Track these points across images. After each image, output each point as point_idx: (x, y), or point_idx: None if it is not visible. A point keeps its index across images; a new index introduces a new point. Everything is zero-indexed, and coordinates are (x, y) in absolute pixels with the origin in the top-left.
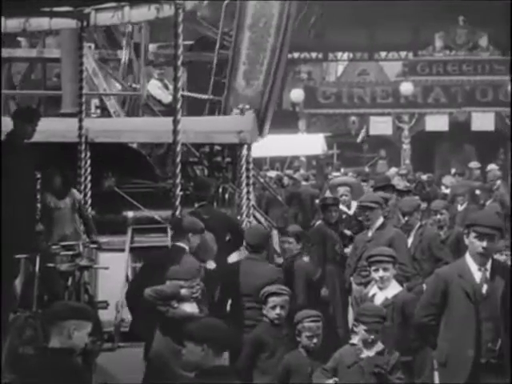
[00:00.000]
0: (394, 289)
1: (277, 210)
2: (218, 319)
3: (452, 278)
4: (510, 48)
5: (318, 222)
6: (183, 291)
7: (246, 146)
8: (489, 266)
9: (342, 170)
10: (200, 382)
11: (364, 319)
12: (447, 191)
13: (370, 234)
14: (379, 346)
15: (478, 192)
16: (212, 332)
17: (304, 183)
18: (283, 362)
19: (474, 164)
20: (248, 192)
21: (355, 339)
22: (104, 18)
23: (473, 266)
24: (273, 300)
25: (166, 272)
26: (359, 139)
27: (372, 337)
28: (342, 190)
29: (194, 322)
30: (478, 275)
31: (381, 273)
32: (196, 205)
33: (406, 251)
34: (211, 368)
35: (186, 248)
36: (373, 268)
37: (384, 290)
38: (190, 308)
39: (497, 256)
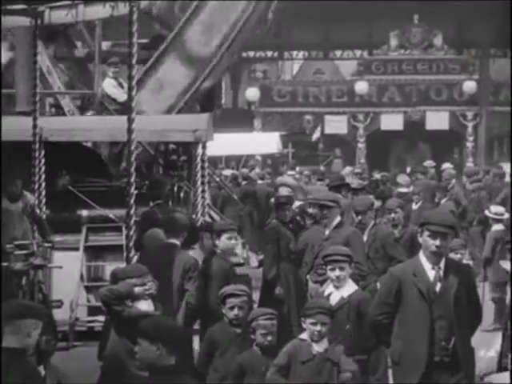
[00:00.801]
0: (349, 288)
1: (232, 208)
2: (171, 318)
3: (406, 276)
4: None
5: (273, 221)
6: (136, 289)
7: (201, 145)
8: (442, 264)
9: (298, 168)
10: (154, 380)
11: (308, 312)
12: (402, 190)
13: (327, 232)
14: (325, 343)
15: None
16: (166, 331)
17: (259, 182)
18: (238, 360)
19: (428, 163)
20: (203, 191)
21: (304, 335)
22: (58, 16)
23: (426, 265)
24: (231, 301)
25: (163, 268)
26: (314, 138)
27: (318, 328)
28: (282, 190)
29: (149, 321)
30: (431, 274)
31: (337, 272)
32: (151, 203)
33: (362, 250)
34: (165, 366)
35: (179, 244)
36: (329, 267)
37: (340, 289)
38: (145, 306)
39: (452, 255)
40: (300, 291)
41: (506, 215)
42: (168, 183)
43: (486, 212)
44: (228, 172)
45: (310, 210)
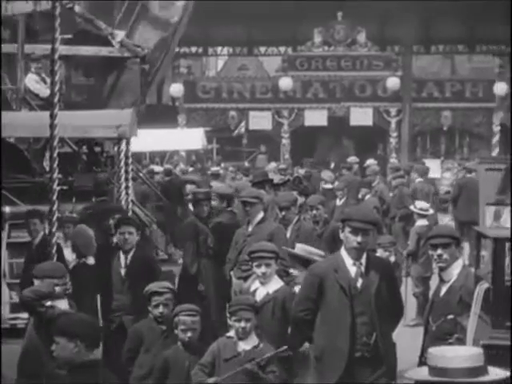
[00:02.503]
0: (275, 284)
1: (157, 204)
2: (88, 315)
3: (327, 272)
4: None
5: (191, 217)
6: (57, 289)
7: (124, 141)
8: (364, 260)
9: (222, 164)
10: (73, 377)
11: (231, 309)
12: (327, 186)
13: (250, 228)
14: (255, 340)
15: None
16: (84, 327)
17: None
18: (162, 356)
19: (352, 159)
20: (127, 187)
21: (231, 332)
22: None
23: (348, 261)
24: (155, 299)
25: None
26: (236, 132)
27: (242, 325)
28: (189, 187)
29: (65, 318)
30: (352, 270)
31: (263, 268)
32: (94, 200)
33: (286, 246)
34: (84, 362)
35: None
36: (255, 263)
37: (266, 286)
38: (63, 305)
39: (381, 251)
40: (220, 287)
41: (431, 211)
42: (108, 181)
43: (411, 207)
44: (157, 168)
45: (214, 203)
